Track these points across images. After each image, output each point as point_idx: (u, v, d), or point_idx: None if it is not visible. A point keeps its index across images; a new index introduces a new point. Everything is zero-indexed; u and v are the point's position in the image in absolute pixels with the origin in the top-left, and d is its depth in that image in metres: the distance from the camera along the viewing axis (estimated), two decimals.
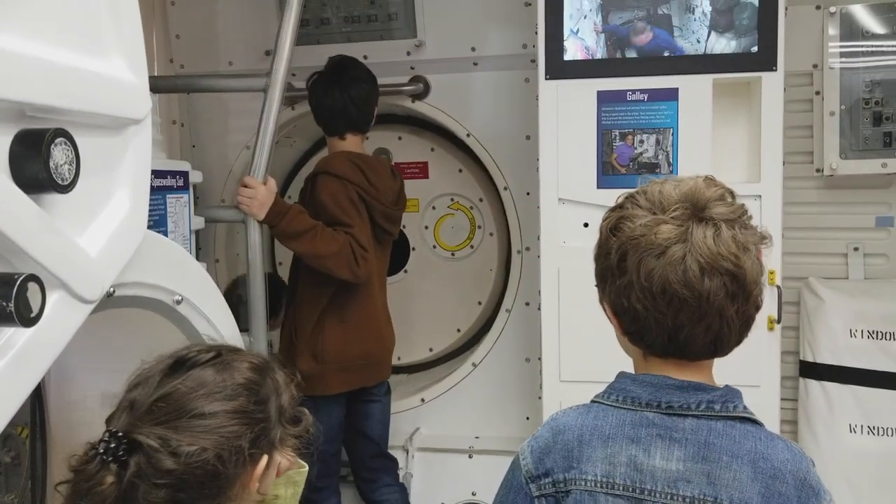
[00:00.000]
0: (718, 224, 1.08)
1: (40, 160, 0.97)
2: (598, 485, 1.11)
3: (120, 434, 1.04)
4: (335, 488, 2.96)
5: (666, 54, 2.51)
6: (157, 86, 2.74)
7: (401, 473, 3.20)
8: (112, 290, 1.20)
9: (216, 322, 1.56)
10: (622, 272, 1.11)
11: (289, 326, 2.78)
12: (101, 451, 1.03)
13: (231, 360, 1.13)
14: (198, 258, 3.44)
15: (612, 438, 1.12)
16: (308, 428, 1.21)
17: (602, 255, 1.17)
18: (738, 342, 1.15)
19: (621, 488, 1.10)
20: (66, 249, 1.05)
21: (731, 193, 1.15)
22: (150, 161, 1.27)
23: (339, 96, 2.71)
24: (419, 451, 3.30)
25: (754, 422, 1.14)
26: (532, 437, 1.20)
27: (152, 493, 1.02)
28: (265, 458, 1.12)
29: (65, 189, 1.01)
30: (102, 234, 1.14)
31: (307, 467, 1.25)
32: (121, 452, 1.03)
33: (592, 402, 1.20)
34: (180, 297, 1.42)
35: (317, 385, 2.70)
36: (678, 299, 1.07)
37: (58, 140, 0.99)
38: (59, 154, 1.00)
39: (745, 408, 1.14)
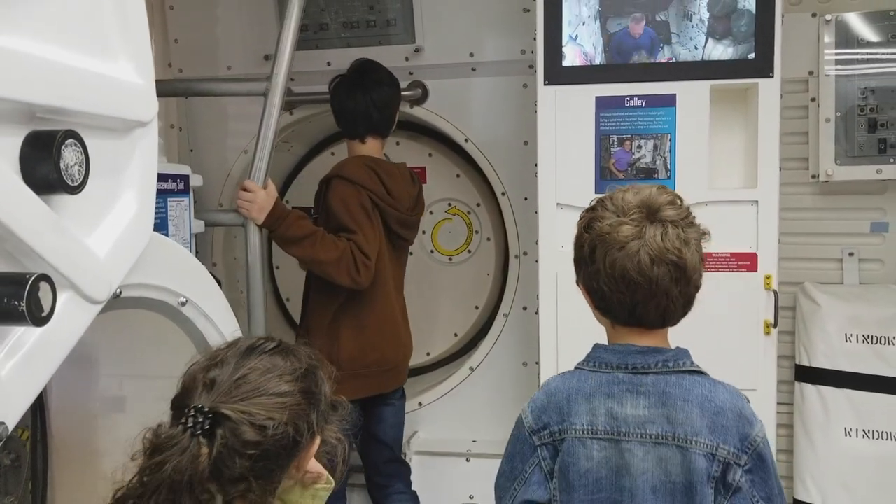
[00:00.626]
0: (666, 224, 1.39)
1: (51, 161, 0.97)
2: (585, 432, 1.43)
3: (206, 409, 1.13)
4: (341, 494, 2.95)
5: (663, 60, 2.54)
6: (158, 89, 2.74)
7: None
8: (119, 291, 1.20)
9: (220, 325, 1.57)
10: (592, 261, 1.42)
11: (302, 332, 2.77)
12: (190, 425, 1.12)
13: (291, 348, 1.27)
14: None
15: (592, 396, 1.44)
16: (345, 416, 1.33)
17: (577, 247, 1.47)
18: (683, 315, 1.46)
19: (603, 433, 1.42)
20: (76, 250, 1.05)
21: (679, 199, 1.45)
22: (156, 164, 1.28)
23: (362, 99, 2.72)
24: (417, 454, 3.30)
25: (700, 373, 1.46)
26: (531, 400, 1.50)
27: (237, 462, 1.12)
28: (318, 439, 1.24)
29: (75, 190, 1.02)
30: (110, 235, 1.15)
31: (332, 484, 1.29)
32: (207, 426, 1.12)
33: (576, 368, 1.52)
34: (185, 299, 1.43)
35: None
36: (634, 283, 1.38)
37: (68, 141, 1.00)
38: (69, 155, 1.00)
39: (692, 363, 1.46)
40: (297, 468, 1.22)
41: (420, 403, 3.35)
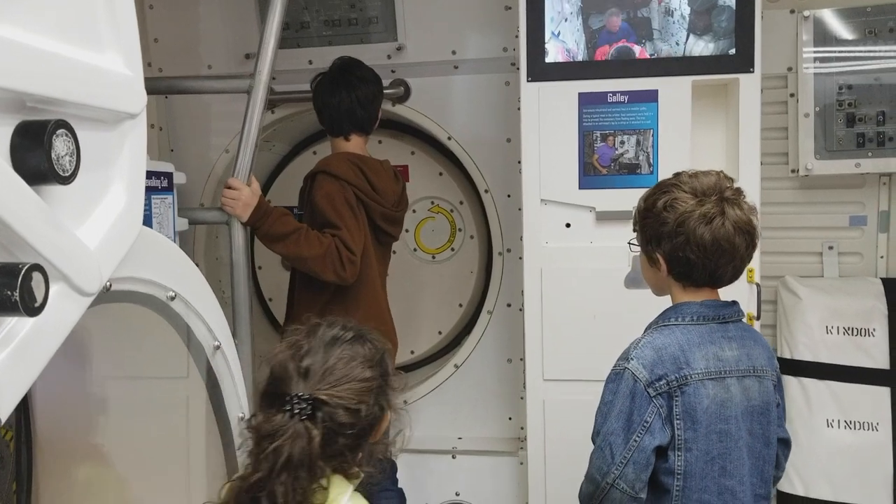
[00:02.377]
0: (739, 202, 1.71)
1: (42, 151, 0.96)
2: (703, 375, 1.68)
3: (306, 396, 1.29)
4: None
5: (646, 56, 2.56)
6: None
7: None
8: (109, 284, 1.19)
9: (209, 320, 1.56)
10: (678, 234, 1.69)
11: (288, 330, 2.74)
12: (296, 411, 1.28)
13: (365, 336, 1.43)
14: None
15: (702, 344, 1.71)
16: (403, 386, 1.51)
17: (658, 223, 1.72)
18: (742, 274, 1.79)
19: (714, 374, 1.69)
20: (67, 241, 1.04)
21: (733, 181, 1.76)
22: (144, 156, 1.27)
23: (346, 97, 2.71)
24: (403, 452, 3.28)
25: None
26: (635, 360, 1.69)
27: (338, 441, 1.31)
28: (389, 413, 1.44)
29: (66, 180, 1.01)
30: (101, 227, 1.13)
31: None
32: (309, 411, 1.28)
33: (663, 325, 1.75)
34: (174, 294, 1.41)
35: None
36: (721, 250, 1.68)
37: (59, 131, 0.99)
38: (60, 145, 0.99)
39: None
40: (373, 438, 1.41)
41: (405, 401, 3.33)
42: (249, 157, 2.39)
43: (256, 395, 1.38)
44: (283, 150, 3.66)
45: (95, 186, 1.15)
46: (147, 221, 2.06)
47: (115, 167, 1.20)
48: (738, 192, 1.73)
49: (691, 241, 1.67)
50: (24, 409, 1.81)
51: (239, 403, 1.73)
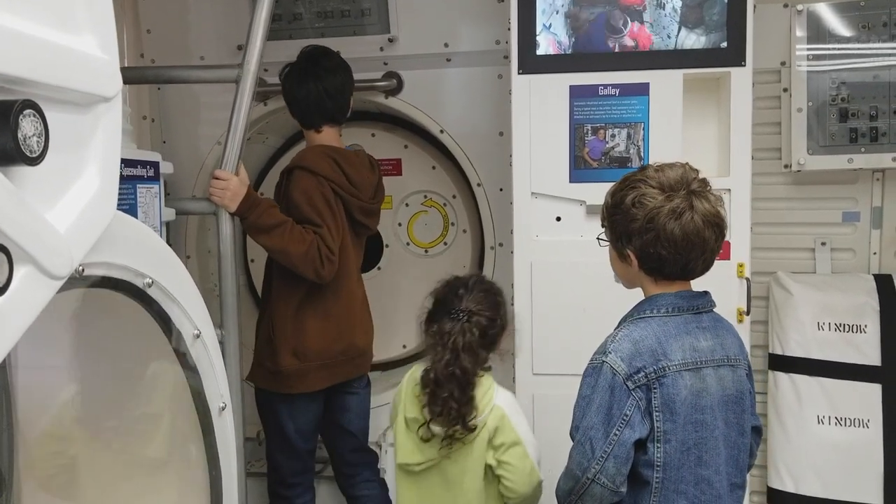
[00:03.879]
0: (706, 195, 1.70)
1: (8, 130, 0.95)
2: (680, 366, 1.68)
3: (467, 309, 2.10)
4: (309, 485, 2.93)
5: (638, 49, 2.54)
6: (128, 76, 2.65)
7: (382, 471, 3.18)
8: (81, 268, 1.18)
9: (188, 308, 1.54)
10: (648, 230, 1.68)
11: (266, 322, 2.73)
12: (461, 318, 2.09)
13: (489, 280, 2.31)
14: None
15: (678, 335, 1.70)
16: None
17: (627, 220, 1.71)
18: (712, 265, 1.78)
19: (690, 365, 1.69)
20: (35, 223, 1.03)
21: (698, 171, 1.75)
22: (119, 141, 1.25)
23: (315, 88, 2.68)
24: (393, 446, 3.28)
25: None
26: (612, 353, 1.68)
27: (487, 335, 2.11)
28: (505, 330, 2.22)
29: (34, 161, 0.99)
30: (72, 210, 1.12)
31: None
32: (468, 318, 2.09)
33: (639, 318, 1.75)
34: (150, 280, 1.40)
35: (298, 382, 2.67)
36: (691, 244, 1.67)
37: (26, 111, 0.98)
38: (27, 125, 0.98)
39: None
40: (497, 345, 2.18)
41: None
42: (237, 148, 2.37)
43: (422, 318, 2.19)
44: (275, 143, 3.65)
45: (66, 169, 1.14)
46: (132, 210, 2.05)
47: (88, 151, 1.18)
48: (705, 183, 1.72)
49: (662, 237, 1.67)
50: (5, 404, 1.79)
51: (219, 392, 1.71)
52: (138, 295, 1.41)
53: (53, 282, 1.07)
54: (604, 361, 1.69)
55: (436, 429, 2.03)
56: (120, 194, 2.03)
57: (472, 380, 2.05)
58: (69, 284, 1.19)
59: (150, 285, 1.41)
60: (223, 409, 1.74)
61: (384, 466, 3.24)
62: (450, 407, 2.01)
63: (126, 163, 2.02)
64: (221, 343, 2.44)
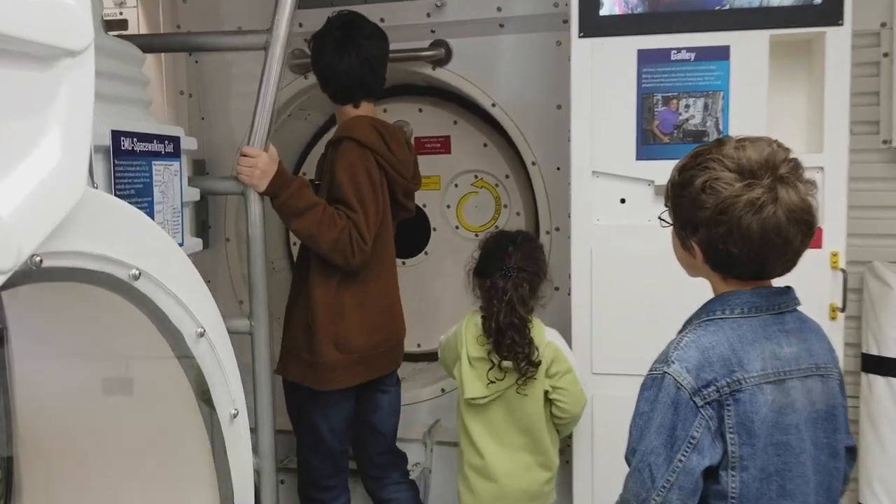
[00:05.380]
0: (795, 184, 1.39)
1: None
2: (760, 378, 1.40)
3: (516, 266, 2.27)
4: (345, 487, 2.73)
5: (716, 7, 2.23)
6: (154, 44, 2.53)
7: (418, 469, 2.98)
8: (39, 259, 0.97)
9: (188, 302, 1.33)
10: (719, 223, 1.39)
11: (303, 307, 2.51)
12: (511, 274, 2.27)
13: (529, 234, 2.50)
14: (207, 238, 3.27)
15: (755, 341, 1.42)
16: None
17: (695, 206, 1.42)
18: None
19: (772, 376, 1.41)
20: None
21: (790, 150, 1.43)
22: (91, 104, 1.04)
23: (357, 59, 2.44)
24: (438, 445, 3.07)
25: None
26: (676, 363, 1.40)
27: (531, 286, 2.30)
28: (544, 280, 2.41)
29: None
30: (21, 188, 0.91)
31: None
32: (516, 274, 2.27)
33: (709, 320, 1.46)
34: (138, 272, 1.19)
35: (337, 377, 2.46)
36: (770, 244, 1.38)
37: None
38: None
39: None
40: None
41: (443, 390, 3.12)
42: (267, 121, 2.15)
43: (471, 268, 2.37)
44: (318, 120, 3.43)
45: (14, 138, 0.92)
46: (146, 190, 1.85)
47: (47, 115, 0.97)
48: (796, 167, 1.41)
49: (735, 234, 1.38)
50: (3, 396, 1.62)
51: (230, 397, 1.51)
52: (123, 289, 1.20)
53: None
54: (665, 373, 1.41)
55: (507, 364, 2.28)
56: (133, 172, 1.84)
57: (528, 325, 2.27)
58: (24, 278, 0.98)
59: (136, 277, 1.20)
60: (235, 416, 1.54)
61: (430, 466, 3.04)
62: (516, 351, 2.25)
63: (140, 137, 1.82)
64: (250, 334, 2.26)
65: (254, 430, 2.23)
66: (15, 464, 1.66)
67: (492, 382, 2.32)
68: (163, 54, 3.00)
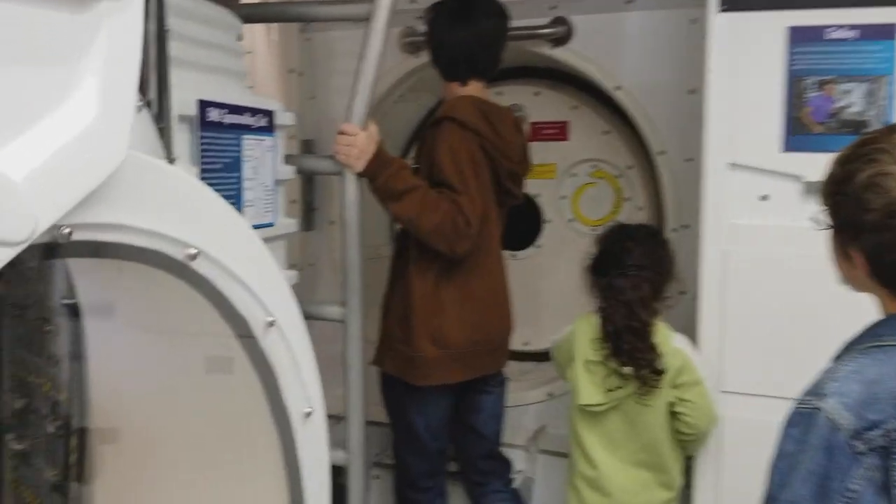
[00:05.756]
0: None
1: None
2: None
3: (633, 264, 2.13)
4: (441, 489, 2.59)
5: None
6: (250, 15, 2.41)
7: (520, 477, 2.79)
8: (68, 230, 0.84)
9: (257, 288, 1.19)
10: (887, 228, 1.18)
11: (400, 297, 2.37)
12: (631, 272, 2.11)
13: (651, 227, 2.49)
14: (312, 220, 3.19)
15: None
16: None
17: (858, 207, 1.21)
18: None
19: None
20: None
21: None
22: (138, 56, 0.90)
23: (466, 34, 2.31)
24: (543, 453, 2.87)
25: None
26: (832, 397, 1.17)
27: (654, 285, 2.16)
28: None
29: None
30: (39, 149, 0.78)
31: None
32: (636, 271, 2.13)
33: (873, 346, 1.22)
34: (195, 251, 1.05)
35: (434, 373, 2.32)
36: None
37: None
38: None
39: None
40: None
41: (550, 394, 2.90)
42: (366, 97, 2.02)
43: (587, 264, 2.21)
44: (430, 102, 3.27)
45: (39, 88, 0.79)
46: (234, 165, 1.73)
47: (80, 64, 0.84)
48: None
49: None
50: (78, 377, 1.55)
51: (304, 394, 1.36)
52: (177, 270, 1.06)
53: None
54: (818, 408, 1.18)
55: (627, 371, 2.11)
56: (221, 145, 1.72)
57: (650, 329, 2.10)
58: (54, 253, 0.86)
59: (193, 258, 1.06)
60: (309, 415, 1.39)
61: (534, 475, 2.84)
62: (636, 357, 2.08)
63: (231, 108, 1.71)
64: (343, 322, 2.13)
65: (343, 421, 2.12)
66: (88, 436, 1.59)
67: (610, 390, 2.15)
68: (274, 32, 2.93)
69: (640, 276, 2.11)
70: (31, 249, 0.77)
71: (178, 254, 1.04)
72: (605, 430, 2.21)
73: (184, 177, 1.05)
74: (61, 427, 1.62)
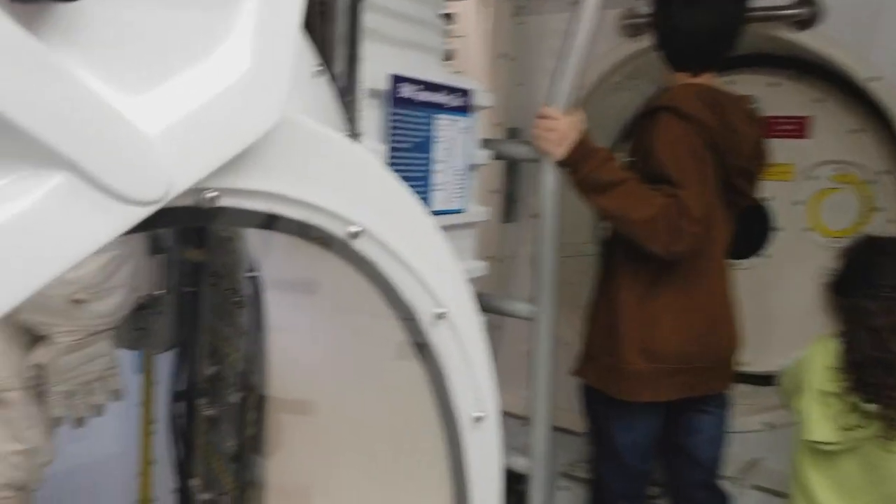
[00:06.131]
0: None
1: None
2: None
3: (886, 284, 1.85)
4: None
5: None
6: None
7: None
8: (213, 194, 0.77)
9: (426, 275, 1.08)
10: None
11: (606, 305, 2.19)
12: (886, 294, 1.83)
13: None
14: (515, 211, 3.07)
15: None
16: None
17: None
18: None
19: None
20: (83, 109, 0.63)
21: None
22: (299, 9, 0.81)
23: (703, 20, 2.07)
24: (755, 489, 2.56)
25: None
26: None
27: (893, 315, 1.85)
28: None
29: None
30: (180, 101, 0.71)
31: None
32: (887, 293, 1.84)
33: None
34: (357, 229, 0.96)
35: (643, 388, 2.12)
36: None
37: None
38: None
39: None
40: None
41: (769, 424, 2.59)
42: (570, 79, 1.85)
43: (825, 288, 1.95)
44: (647, 91, 3.03)
45: (184, 36, 0.72)
46: (424, 145, 1.64)
47: (235, 11, 0.76)
48: None
49: None
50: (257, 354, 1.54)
51: (475, 396, 1.23)
52: (339, 249, 0.97)
53: (123, 207, 0.66)
54: None
55: (870, 408, 1.85)
56: (411, 123, 1.64)
57: None
58: (197, 218, 0.79)
59: (355, 236, 0.96)
60: (479, 420, 1.26)
61: None
62: (884, 394, 1.81)
63: (427, 86, 1.62)
64: (533, 320, 1.98)
65: (528, 424, 1.99)
66: (266, 410, 1.58)
67: (847, 429, 1.89)
68: (488, 16, 2.84)
69: (892, 298, 1.84)
70: (203, 216, 0.69)
71: (339, 230, 0.95)
72: (837, 475, 1.95)
73: (347, 146, 0.95)
74: (244, 399, 1.63)
